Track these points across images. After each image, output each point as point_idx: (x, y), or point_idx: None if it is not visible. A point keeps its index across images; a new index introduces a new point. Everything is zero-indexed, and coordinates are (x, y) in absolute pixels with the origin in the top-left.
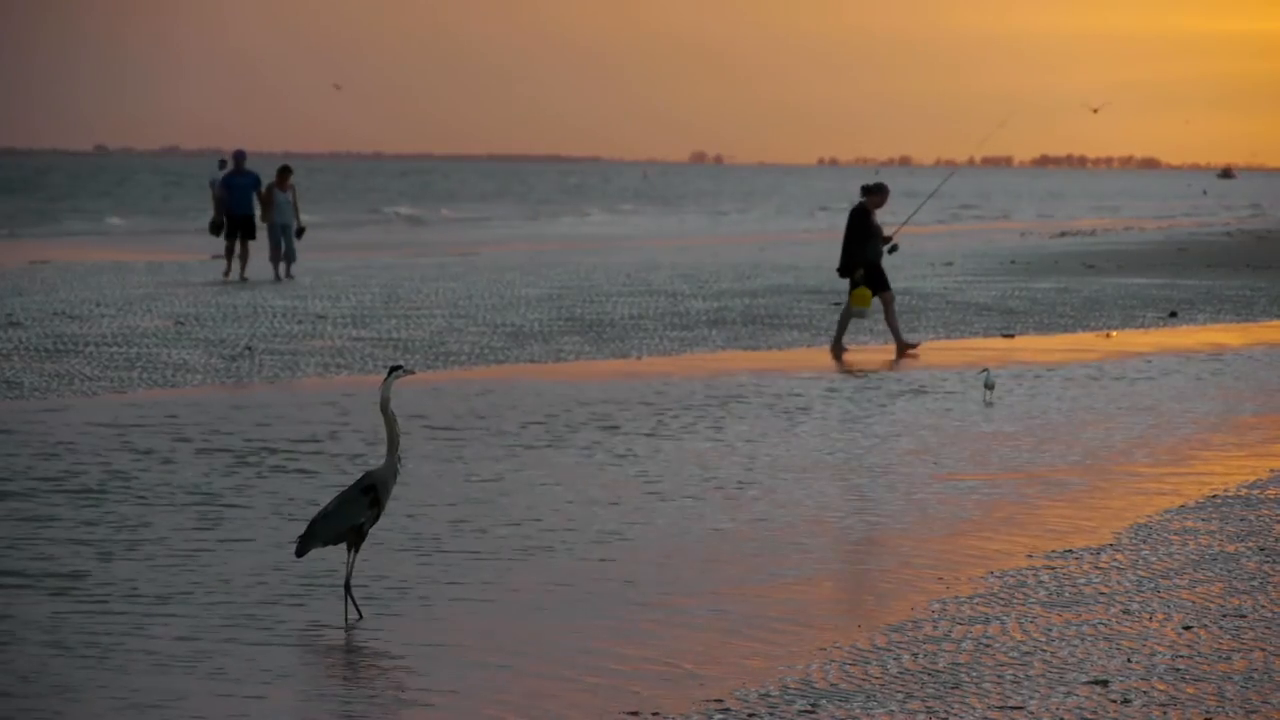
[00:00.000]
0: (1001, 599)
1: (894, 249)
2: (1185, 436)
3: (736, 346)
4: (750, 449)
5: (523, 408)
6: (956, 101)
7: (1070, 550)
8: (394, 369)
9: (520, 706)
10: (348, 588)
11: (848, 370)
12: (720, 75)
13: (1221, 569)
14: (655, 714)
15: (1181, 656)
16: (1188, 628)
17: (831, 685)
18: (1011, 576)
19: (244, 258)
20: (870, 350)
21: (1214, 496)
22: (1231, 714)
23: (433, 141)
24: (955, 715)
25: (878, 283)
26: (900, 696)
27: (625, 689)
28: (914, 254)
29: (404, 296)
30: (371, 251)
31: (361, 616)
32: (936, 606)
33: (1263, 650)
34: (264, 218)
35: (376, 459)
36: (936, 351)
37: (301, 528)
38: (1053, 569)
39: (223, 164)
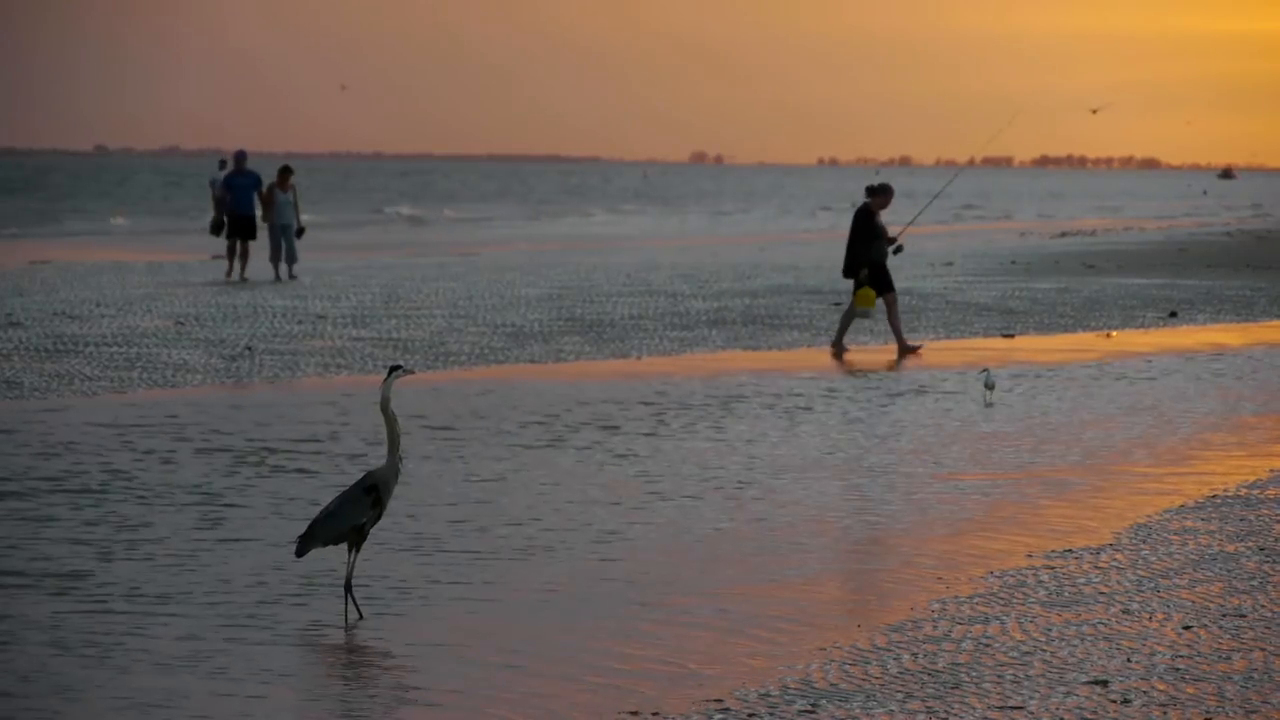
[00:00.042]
0: (1001, 599)
1: (899, 250)
2: (1185, 436)
3: (737, 346)
4: (750, 449)
5: (523, 408)
6: (956, 101)
7: (1070, 550)
8: (394, 369)
9: (522, 706)
10: (348, 587)
11: (848, 370)
12: (720, 75)
13: (1221, 569)
14: (655, 714)
15: (1181, 656)
16: (1188, 628)
17: (831, 685)
18: (1011, 576)
19: (244, 258)
20: (871, 350)
21: (1214, 496)
22: (1231, 714)
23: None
24: (955, 715)
25: (882, 283)
26: (900, 696)
27: (625, 689)
28: (914, 254)
29: (404, 296)
30: (371, 251)
31: (362, 616)
32: (936, 606)
33: (1263, 650)
34: (265, 218)
35: (376, 459)
36: (937, 351)
37: (302, 527)
38: (1053, 569)
39: (223, 164)
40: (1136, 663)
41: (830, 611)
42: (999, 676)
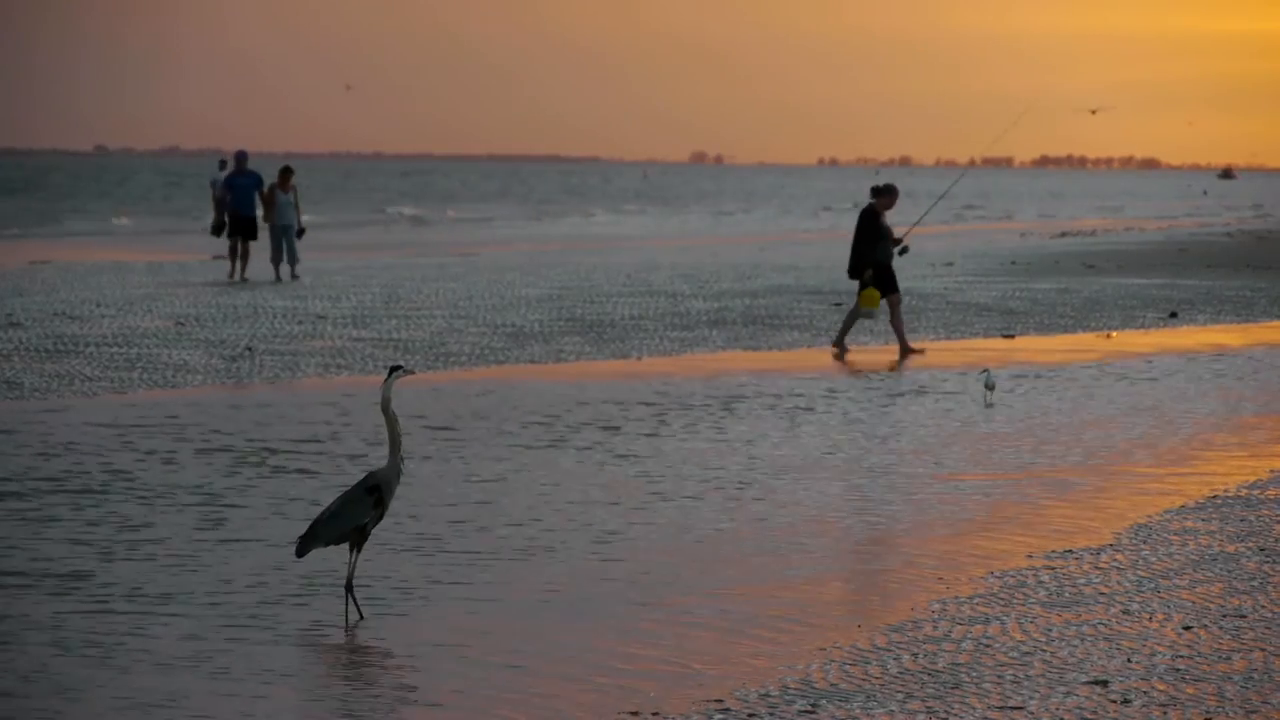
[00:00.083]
0: (1001, 599)
1: (904, 251)
2: (1186, 437)
3: (737, 347)
4: (751, 449)
5: (523, 408)
6: (956, 101)
7: (1070, 550)
8: (394, 369)
9: (524, 706)
10: (349, 588)
11: (849, 371)
12: (720, 75)
13: (1221, 569)
14: (655, 714)
15: (1181, 657)
16: (1188, 628)
17: (831, 685)
18: (1011, 576)
19: (244, 258)
20: (871, 351)
21: (1214, 497)
22: (1231, 714)
23: (433, 141)
24: (955, 715)
25: (886, 284)
26: (900, 696)
27: (626, 688)
28: (915, 254)
29: (404, 297)
30: (372, 252)
31: (362, 617)
32: (937, 606)
33: (1263, 650)
34: (266, 218)
35: (377, 459)
36: (937, 352)
37: (303, 528)
38: (1053, 569)
39: (223, 164)
40: (1137, 663)
41: (831, 611)
42: (999, 676)
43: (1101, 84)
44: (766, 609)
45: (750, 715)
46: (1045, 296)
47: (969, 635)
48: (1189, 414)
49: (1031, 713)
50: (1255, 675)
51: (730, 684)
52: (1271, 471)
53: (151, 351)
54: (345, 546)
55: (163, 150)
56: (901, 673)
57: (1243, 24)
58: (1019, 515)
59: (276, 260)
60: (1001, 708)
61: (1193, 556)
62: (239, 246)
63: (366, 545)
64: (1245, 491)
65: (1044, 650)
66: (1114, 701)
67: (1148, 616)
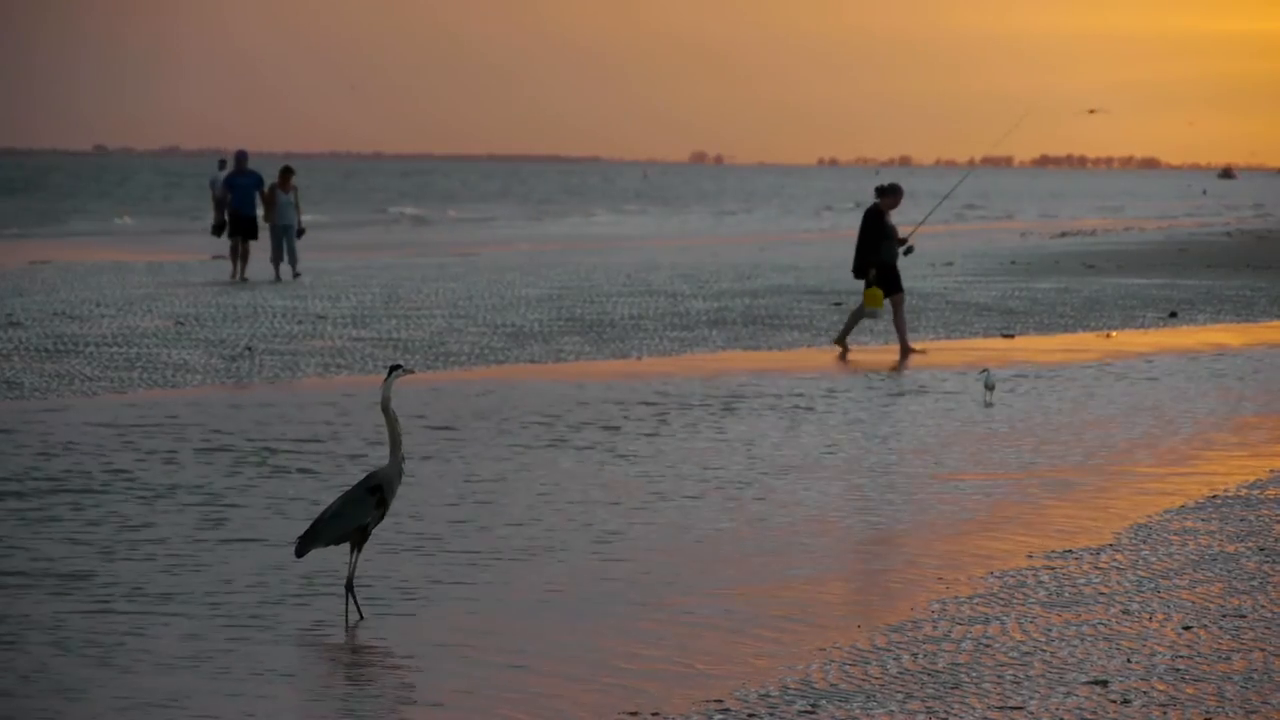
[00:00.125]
0: (1001, 599)
1: (909, 251)
2: (1186, 437)
3: (737, 347)
4: (751, 449)
5: (523, 408)
6: (956, 101)
7: (1070, 550)
8: (394, 368)
9: (526, 706)
10: (349, 587)
11: (849, 371)
12: (720, 75)
13: (1221, 569)
14: (655, 714)
15: (1181, 657)
16: (1187, 628)
17: (831, 685)
18: (1011, 576)
19: (244, 258)
20: (872, 350)
21: (1214, 497)
22: (1231, 714)
23: (433, 141)
24: (955, 715)
25: (890, 284)
26: (900, 696)
27: (626, 688)
28: (915, 254)
29: (404, 297)
30: (372, 251)
31: (362, 617)
32: (936, 606)
33: (1263, 650)
34: (266, 218)
35: (377, 458)
36: (937, 352)
37: (303, 527)
38: (1053, 569)
39: (222, 164)
40: (1136, 663)
41: (831, 612)
42: (999, 677)
43: (1101, 84)
44: (767, 609)
45: (750, 715)
46: (1045, 296)
47: (969, 635)
48: (1189, 414)
49: (1031, 713)
50: (1255, 675)
51: (730, 684)
52: (1271, 471)
53: (151, 351)
54: (345, 546)
55: (163, 150)
56: (901, 673)
57: (1243, 24)
58: (1019, 515)
59: (276, 260)
60: (1001, 708)
61: (1193, 556)
62: (240, 246)
63: (367, 545)
64: (1245, 491)
65: (1044, 650)
66: (1114, 701)
67: (1148, 616)
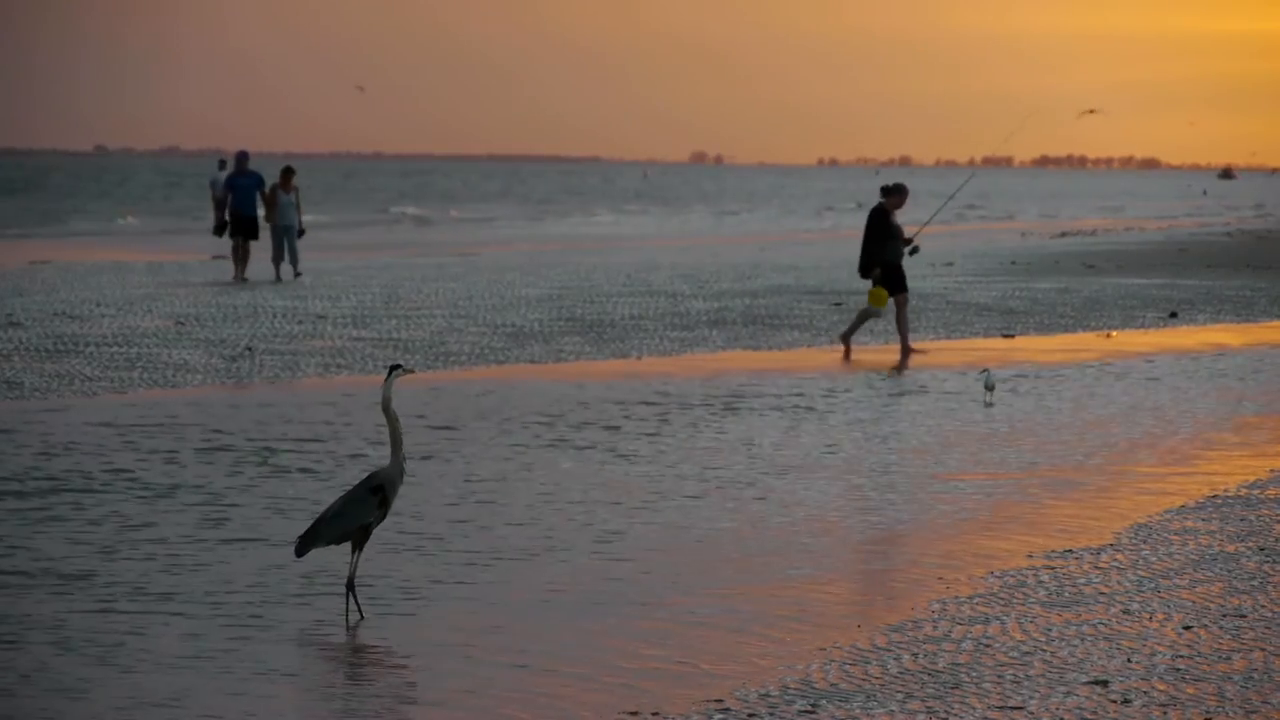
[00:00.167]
0: (1001, 599)
1: (914, 251)
2: (1186, 437)
3: (737, 347)
4: (752, 449)
5: (524, 408)
6: (956, 101)
7: (1070, 550)
8: (394, 368)
9: (528, 705)
10: (350, 587)
11: (849, 370)
12: (720, 75)
13: (1221, 569)
14: (655, 714)
15: (1181, 656)
16: (1188, 628)
17: (831, 685)
18: (1012, 576)
19: (245, 258)
20: (872, 350)
21: (1214, 496)
22: (1231, 714)
23: (433, 141)
24: (955, 715)
25: (895, 284)
26: (900, 696)
27: (627, 687)
28: (917, 254)
29: (404, 297)
30: (372, 251)
31: (363, 616)
32: (937, 606)
33: (1263, 650)
34: (268, 218)
35: (378, 458)
36: (937, 352)
37: (304, 527)
38: (1053, 569)
39: (222, 164)
40: (1137, 663)
41: (831, 611)
42: (999, 676)
43: (1101, 84)
44: (768, 608)
45: (750, 715)
46: (1045, 296)
47: (969, 635)
48: (1189, 414)
49: (1031, 713)
50: (1255, 675)
51: (731, 684)
52: (1272, 471)
53: (151, 351)
54: (345, 546)
55: (163, 150)
56: (901, 673)
57: (1243, 24)
58: (1019, 515)
59: (277, 260)
60: (1001, 708)
61: (1193, 556)
62: (241, 247)
63: (367, 545)
64: (1245, 491)
65: (1044, 650)
66: (1114, 701)
67: (1148, 616)
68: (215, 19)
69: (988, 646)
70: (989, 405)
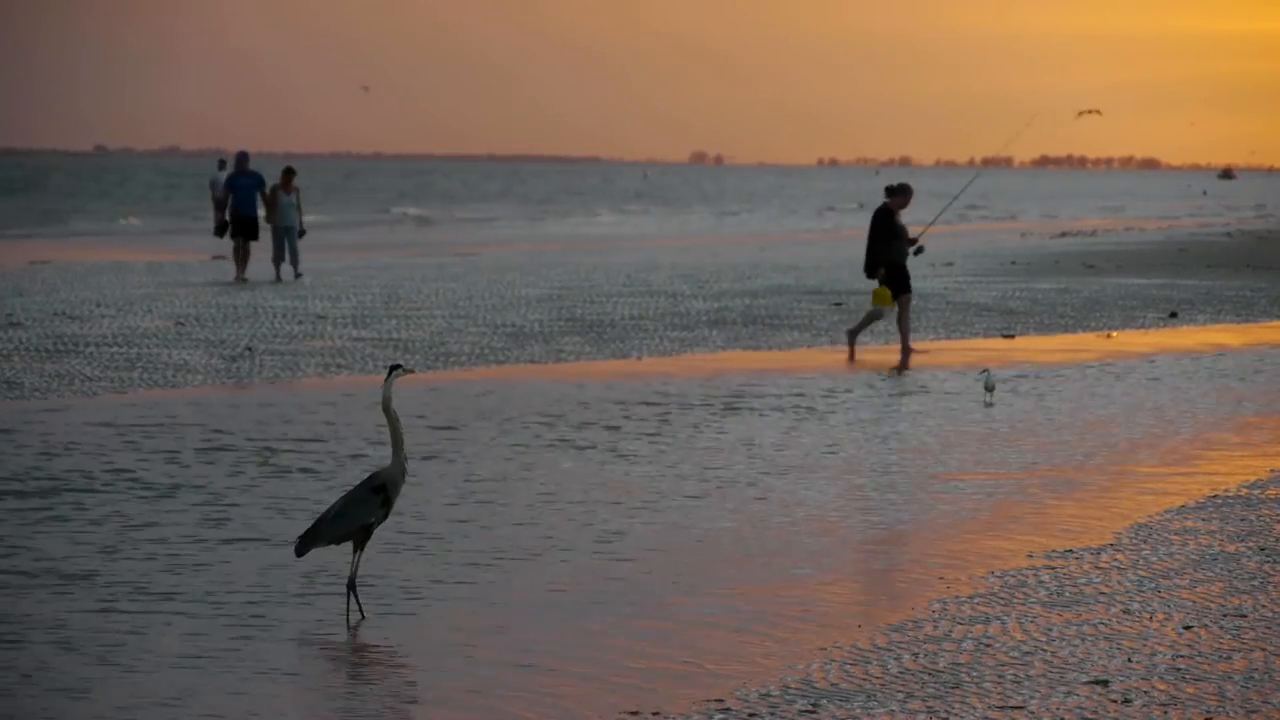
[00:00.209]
0: (1002, 599)
1: (919, 251)
2: (1187, 437)
3: (737, 347)
4: (752, 449)
5: (524, 408)
6: (956, 101)
7: (1071, 550)
8: (394, 368)
9: (531, 704)
10: (351, 586)
11: (849, 371)
12: (720, 75)
13: (1222, 569)
14: (656, 713)
15: (1182, 656)
16: (1188, 627)
17: (832, 685)
18: (1012, 576)
19: (245, 258)
20: (872, 350)
21: (1214, 496)
22: (1232, 714)
23: (433, 141)
24: (955, 715)
25: (899, 284)
26: (901, 696)
27: (627, 687)
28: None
29: (404, 297)
30: (372, 252)
31: (364, 616)
32: (937, 606)
33: (1263, 650)
34: (268, 219)
35: (378, 458)
36: (938, 352)
37: (304, 526)
38: (1053, 569)
39: (222, 164)
40: (1137, 663)
41: (832, 611)
42: (999, 676)
43: (1101, 84)
44: (768, 608)
45: (751, 714)
46: (1045, 296)
47: (969, 635)
48: (1189, 414)
49: (1032, 712)
50: (1256, 675)
51: (732, 683)
52: (1272, 471)
53: (152, 351)
54: (346, 546)
55: (163, 150)
56: (902, 672)
57: (1243, 24)
58: (1019, 515)
59: (278, 260)
60: (1002, 707)
61: (1193, 556)
62: (242, 247)
63: (368, 544)
64: (1246, 491)
65: (1044, 650)
66: (1114, 701)
67: (1148, 616)
68: (215, 19)
69: (988, 646)
70: (989, 405)
